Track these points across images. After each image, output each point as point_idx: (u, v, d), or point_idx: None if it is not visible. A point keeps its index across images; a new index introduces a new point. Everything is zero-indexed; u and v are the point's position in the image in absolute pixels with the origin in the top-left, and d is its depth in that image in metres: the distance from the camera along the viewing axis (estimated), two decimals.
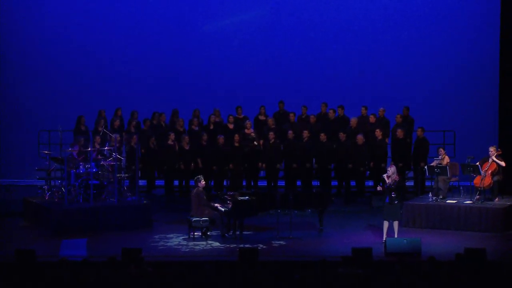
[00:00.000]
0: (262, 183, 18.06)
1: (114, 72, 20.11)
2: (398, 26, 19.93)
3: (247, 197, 14.18)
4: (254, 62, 20.12)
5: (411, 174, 17.79)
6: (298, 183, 17.72)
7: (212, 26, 20.29)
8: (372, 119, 17.76)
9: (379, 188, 13.84)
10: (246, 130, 17.79)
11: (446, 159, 15.30)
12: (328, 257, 10.80)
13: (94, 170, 14.86)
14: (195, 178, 14.28)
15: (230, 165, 17.36)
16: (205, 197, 14.02)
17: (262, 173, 18.13)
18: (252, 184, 17.64)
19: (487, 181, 14.71)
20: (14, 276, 9.39)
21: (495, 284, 9.23)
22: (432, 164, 15.44)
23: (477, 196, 14.76)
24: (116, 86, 19.96)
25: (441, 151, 15.44)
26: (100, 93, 19.74)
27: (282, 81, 20.03)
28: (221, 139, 17.34)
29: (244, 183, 17.61)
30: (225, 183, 17.77)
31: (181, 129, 17.91)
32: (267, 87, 19.91)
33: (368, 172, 17.42)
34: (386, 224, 13.44)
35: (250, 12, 20.25)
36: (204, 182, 14.22)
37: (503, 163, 14.78)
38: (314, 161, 17.61)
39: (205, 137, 17.42)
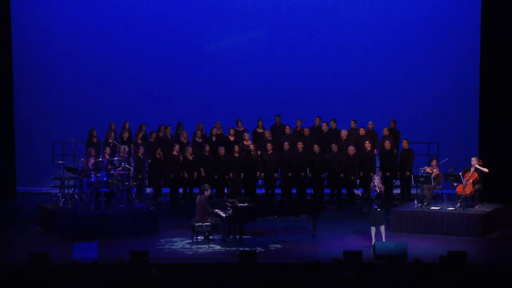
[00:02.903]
0: (260, 191, 18.08)
1: (123, 88, 20.15)
2: (386, 49, 19.98)
3: (246, 204, 14.19)
4: (253, 79, 20.16)
5: (398, 182, 17.82)
6: (294, 191, 17.71)
7: (214, 47, 20.34)
8: (362, 131, 17.79)
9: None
10: (245, 142, 17.81)
11: (436, 171, 15.23)
12: (321, 259, 10.80)
13: (104, 179, 14.85)
14: (202, 186, 14.28)
15: (230, 174, 17.37)
16: (208, 206, 14.02)
17: (260, 182, 18.16)
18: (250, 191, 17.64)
19: (469, 189, 14.73)
20: (29, 277, 9.40)
21: (475, 285, 9.25)
22: (423, 168, 15.47)
23: (459, 203, 14.78)
24: (125, 101, 19.99)
25: (434, 162, 15.40)
26: (110, 107, 19.77)
27: (279, 97, 20.06)
28: (222, 150, 17.35)
29: (243, 191, 17.61)
30: (225, 190, 17.77)
31: (185, 141, 17.93)
32: (265, 102, 19.95)
33: (358, 180, 17.44)
34: (373, 229, 13.45)
35: (249, 34, 20.30)
36: (209, 191, 14.25)
37: (486, 170, 14.83)
38: (308, 170, 17.61)
39: (207, 148, 17.45)
